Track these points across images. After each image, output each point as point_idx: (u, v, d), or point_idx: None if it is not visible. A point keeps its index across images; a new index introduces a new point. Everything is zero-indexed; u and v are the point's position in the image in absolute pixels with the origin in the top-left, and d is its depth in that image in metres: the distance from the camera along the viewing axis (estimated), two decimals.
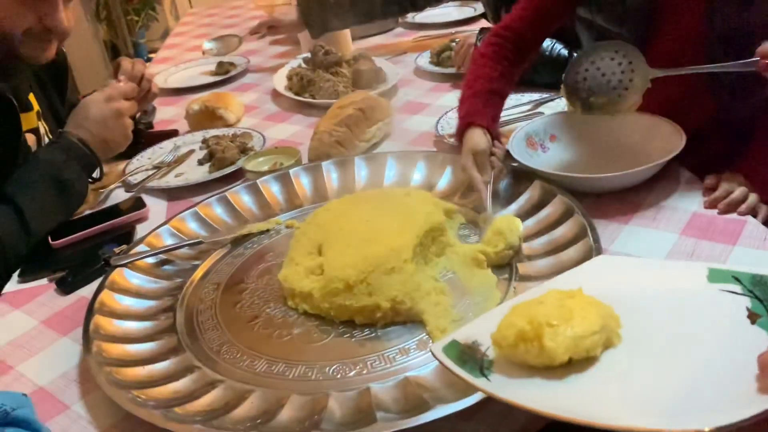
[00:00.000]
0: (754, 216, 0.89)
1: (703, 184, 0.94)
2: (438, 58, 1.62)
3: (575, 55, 1.00)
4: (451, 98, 1.44)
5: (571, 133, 1.09)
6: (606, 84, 0.97)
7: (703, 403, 0.46)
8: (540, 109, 1.26)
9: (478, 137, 0.99)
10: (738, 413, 0.41)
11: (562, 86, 1.01)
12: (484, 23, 1.96)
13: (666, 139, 0.97)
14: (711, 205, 0.90)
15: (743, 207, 0.88)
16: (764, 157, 0.96)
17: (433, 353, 0.59)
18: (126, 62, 1.24)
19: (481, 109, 1.03)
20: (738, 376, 0.44)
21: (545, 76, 1.31)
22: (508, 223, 0.86)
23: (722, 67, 0.88)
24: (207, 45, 1.98)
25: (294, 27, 1.77)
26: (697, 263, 0.63)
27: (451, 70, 1.55)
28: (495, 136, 1.02)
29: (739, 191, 0.90)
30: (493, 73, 1.06)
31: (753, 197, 0.90)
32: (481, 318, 0.64)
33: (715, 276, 0.60)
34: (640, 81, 0.95)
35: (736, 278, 0.58)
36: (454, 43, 1.59)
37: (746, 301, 0.55)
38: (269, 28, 1.81)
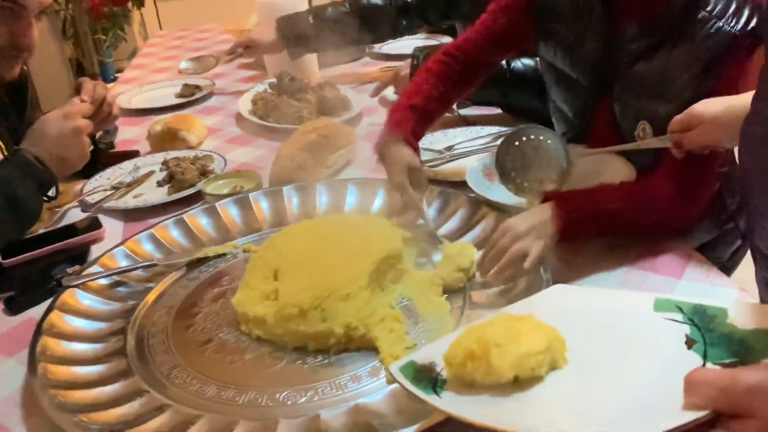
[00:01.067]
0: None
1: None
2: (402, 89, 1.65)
3: (501, 139, 1.03)
4: None
5: None
6: (536, 168, 0.98)
7: (633, 418, 0.48)
8: (498, 142, 1.29)
9: (408, 152, 1.00)
10: (660, 426, 0.43)
11: (495, 167, 1.02)
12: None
13: (617, 175, 1.00)
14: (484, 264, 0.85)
15: (512, 252, 0.82)
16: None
17: (390, 372, 0.61)
18: (87, 83, 1.23)
19: (410, 124, 1.03)
20: (669, 394, 0.47)
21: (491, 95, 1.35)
22: (459, 249, 0.88)
23: (643, 144, 0.91)
24: (183, 65, 1.96)
25: (272, 47, 1.76)
26: (645, 293, 0.66)
27: None
28: (416, 151, 1.03)
29: (506, 238, 0.83)
30: (432, 92, 1.08)
31: (524, 243, 0.82)
32: (439, 340, 0.65)
33: (660, 305, 0.63)
34: (566, 163, 0.96)
35: (679, 307, 0.61)
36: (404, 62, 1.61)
37: (686, 329, 0.58)
38: (246, 48, 1.80)
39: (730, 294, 0.82)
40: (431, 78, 1.10)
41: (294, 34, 1.71)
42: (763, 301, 0.84)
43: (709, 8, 0.90)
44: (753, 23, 0.88)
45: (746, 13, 0.89)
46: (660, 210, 0.92)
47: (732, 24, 0.88)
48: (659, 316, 0.61)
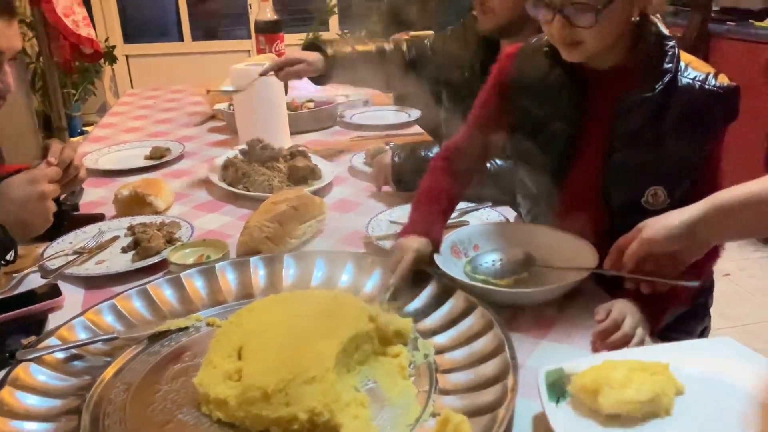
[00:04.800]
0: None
1: (594, 318, 0.91)
2: (372, 160, 1.67)
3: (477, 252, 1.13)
4: (381, 199, 1.49)
5: (494, 243, 1.14)
6: (504, 273, 1.05)
7: None
8: (465, 218, 1.31)
9: (428, 247, 1.05)
10: None
11: (467, 268, 1.08)
12: (416, 129, 2.06)
13: (583, 257, 1.02)
14: (598, 339, 0.89)
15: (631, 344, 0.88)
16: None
17: (540, 372, 0.77)
18: (56, 145, 1.22)
19: (440, 227, 1.10)
20: None
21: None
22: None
23: (596, 270, 0.98)
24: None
25: (314, 70, 1.72)
26: None
27: None
28: (435, 248, 1.07)
29: (626, 325, 0.89)
30: (450, 190, 1.15)
31: (640, 333, 0.89)
32: (585, 358, 0.82)
33: None
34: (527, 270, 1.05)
35: None
36: (387, 146, 1.64)
37: None
38: (286, 66, 1.70)
39: None
40: (445, 176, 1.16)
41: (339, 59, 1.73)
42: None
43: (692, 76, 1.01)
44: (733, 85, 1.01)
45: (724, 78, 1.02)
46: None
47: (715, 84, 1.00)
48: None
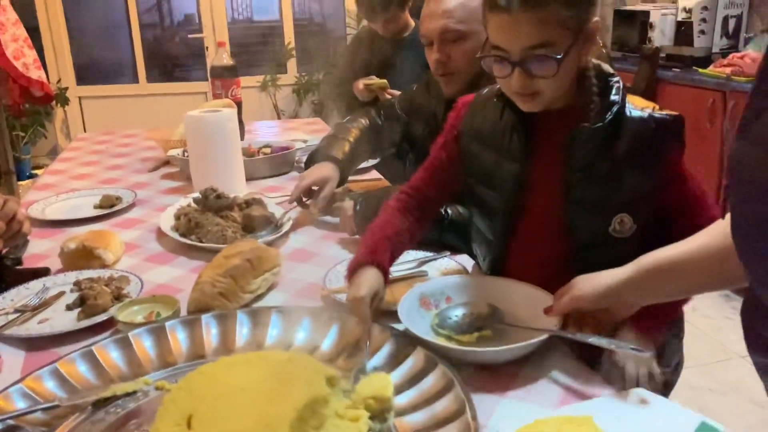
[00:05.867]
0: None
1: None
2: (331, 207, 1.65)
3: (449, 305, 1.12)
4: (339, 249, 1.46)
5: (466, 296, 1.13)
6: (468, 328, 1.05)
7: None
8: (424, 268, 1.30)
9: (379, 278, 1.04)
10: None
11: (434, 321, 1.07)
12: (374, 174, 2.05)
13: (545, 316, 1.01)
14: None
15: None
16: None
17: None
18: None
19: (387, 253, 1.08)
20: None
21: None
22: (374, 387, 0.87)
23: (555, 333, 0.98)
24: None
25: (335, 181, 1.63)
26: (694, 415, 0.80)
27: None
28: (386, 280, 1.06)
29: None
30: (401, 225, 1.15)
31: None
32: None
33: (702, 430, 0.77)
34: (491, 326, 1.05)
35: None
36: (345, 194, 1.63)
37: None
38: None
39: None
40: (396, 213, 1.17)
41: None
42: None
43: (638, 107, 1.05)
44: (678, 113, 1.04)
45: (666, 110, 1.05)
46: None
47: (661, 114, 1.03)
48: None
